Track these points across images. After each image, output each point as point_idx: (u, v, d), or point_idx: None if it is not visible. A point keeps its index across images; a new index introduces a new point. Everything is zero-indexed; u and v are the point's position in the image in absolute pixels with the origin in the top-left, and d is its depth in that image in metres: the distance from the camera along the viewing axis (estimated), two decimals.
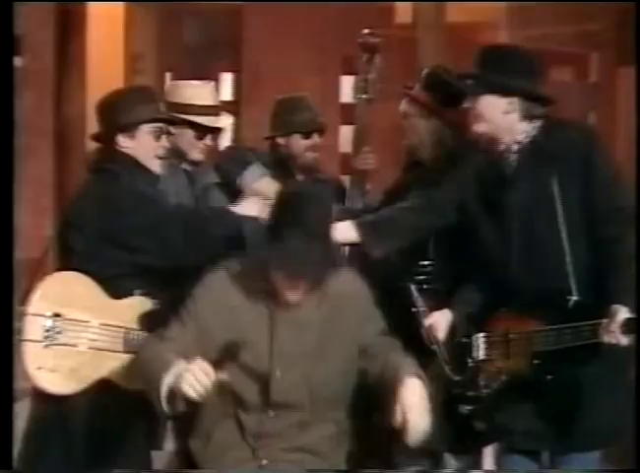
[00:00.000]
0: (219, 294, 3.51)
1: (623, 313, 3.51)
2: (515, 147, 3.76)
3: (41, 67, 6.84)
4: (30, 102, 6.82)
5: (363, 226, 3.99)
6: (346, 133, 8.38)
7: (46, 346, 3.70)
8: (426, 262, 4.39)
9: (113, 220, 3.81)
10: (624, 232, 3.67)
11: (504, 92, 3.67)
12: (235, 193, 4.46)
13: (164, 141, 4.00)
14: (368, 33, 4.38)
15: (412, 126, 4.34)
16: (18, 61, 6.72)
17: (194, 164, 4.44)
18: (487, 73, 3.72)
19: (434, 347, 4.09)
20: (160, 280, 3.92)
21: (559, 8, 6.56)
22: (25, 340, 3.67)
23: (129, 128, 3.90)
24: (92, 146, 4.21)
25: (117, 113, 3.93)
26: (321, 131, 4.70)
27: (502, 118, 3.70)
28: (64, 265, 3.89)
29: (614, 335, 3.51)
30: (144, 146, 3.95)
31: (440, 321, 4.11)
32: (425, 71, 4.44)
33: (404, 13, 7.61)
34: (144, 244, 3.89)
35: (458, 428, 4.09)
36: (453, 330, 4.05)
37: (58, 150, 7.07)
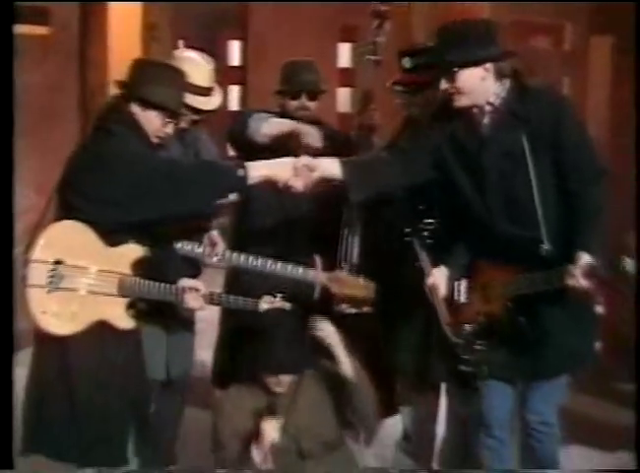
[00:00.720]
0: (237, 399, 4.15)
1: (585, 259, 3.63)
2: (488, 108, 3.82)
3: (68, 37, 6.88)
4: (57, 69, 6.87)
5: (347, 166, 3.99)
6: (343, 95, 8.56)
7: (49, 291, 3.75)
8: (431, 220, 4.39)
9: (110, 180, 3.77)
10: (591, 187, 3.77)
11: (478, 61, 3.73)
12: (247, 149, 4.55)
13: (170, 128, 3.96)
14: (379, 2, 4.52)
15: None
16: (45, 31, 6.90)
17: (182, 130, 4.42)
18: (458, 49, 3.74)
19: (436, 305, 4.15)
20: (153, 233, 3.94)
21: None
22: (30, 285, 3.73)
23: (141, 102, 3.88)
24: None
25: (139, 83, 3.90)
26: (309, 92, 4.66)
27: (480, 85, 3.76)
28: (63, 218, 3.85)
29: (578, 279, 3.61)
30: (149, 123, 3.92)
31: (439, 279, 4.16)
32: (408, 58, 4.45)
33: None
34: (139, 204, 3.80)
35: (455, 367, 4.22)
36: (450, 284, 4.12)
37: (83, 112, 7.11)
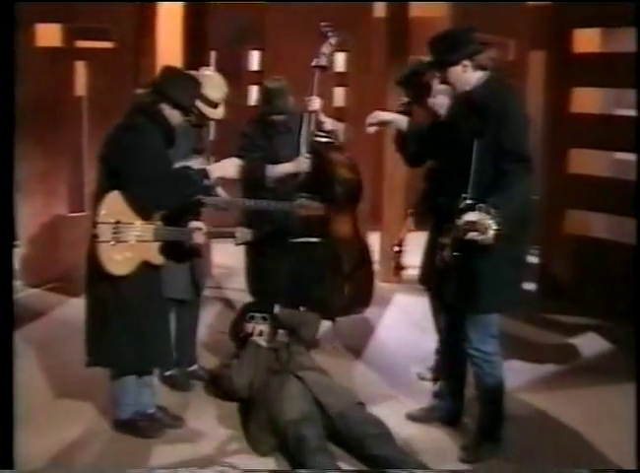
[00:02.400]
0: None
1: (468, 216, 3.82)
2: (464, 94, 4.12)
3: (125, 49, 7.18)
4: (116, 75, 7.12)
5: (411, 125, 4.47)
6: (338, 92, 8.73)
7: (113, 244, 4.11)
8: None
9: (131, 168, 4.11)
10: (515, 168, 3.94)
11: (455, 60, 4.05)
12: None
13: (186, 119, 4.36)
14: (326, 26, 5.20)
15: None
16: (109, 45, 7.26)
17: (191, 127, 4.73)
18: (441, 54, 4.09)
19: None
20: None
21: (489, 9, 6.87)
22: (99, 242, 4.08)
23: (170, 103, 4.23)
24: None
25: (168, 87, 4.24)
26: (280, 113, 5.22)
27: (462, 76, 4.09)
28: (105, 186, 4.16)
29: (458, 231, 3.86)
30: (173, 118, 4.27)
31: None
32: (400, 86, 4.91)
33: (380, 10, 7.90)
34: (147, 191, 4.12)
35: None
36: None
37: None
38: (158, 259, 4.28)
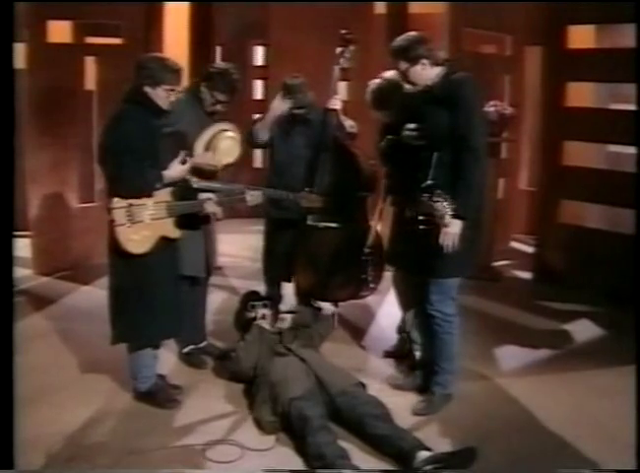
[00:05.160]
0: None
1: (450, 221, 4.10)
2: (425, 89, 4.32)
3: (135, 45, 7.17)
4: (125, 70, 6.91)
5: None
6: (342, 86, 8.25)
7: (129, 226, 4.17)
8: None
9: (116, 146, 4.17)
10: (465, 156, 4.13)
11: (414, 60, 4.26)
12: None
13: (172, 97, 4.27)
14: (345, 32, 5.28)
15: None
16: (119, 41, 7.29)
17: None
18: (401, 56, 4.28)
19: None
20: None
21: (486, 5, 6.90)
22: (116, 225, 4.14)
23: (151, 84, 4.24)
24: None
25: (142, 67, 4.26)
26: (299, 108, 5.33)
27: (422, 73, 4.30)
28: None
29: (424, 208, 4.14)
30: (158, 97, 4.25)
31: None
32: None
33: (380, 6, 8.05)
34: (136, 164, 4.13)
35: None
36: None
37: None
38: (175, 233, 4.37)
